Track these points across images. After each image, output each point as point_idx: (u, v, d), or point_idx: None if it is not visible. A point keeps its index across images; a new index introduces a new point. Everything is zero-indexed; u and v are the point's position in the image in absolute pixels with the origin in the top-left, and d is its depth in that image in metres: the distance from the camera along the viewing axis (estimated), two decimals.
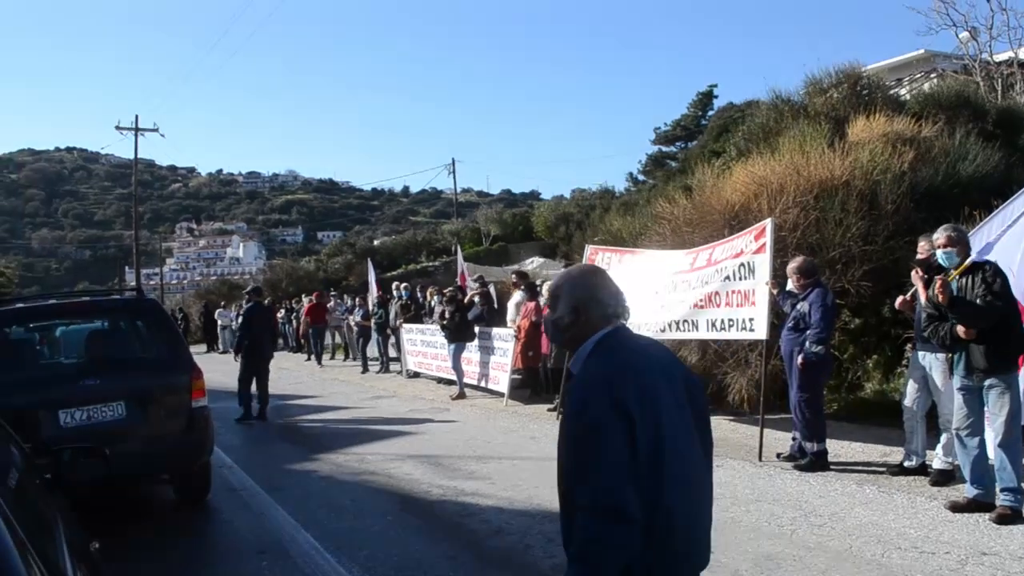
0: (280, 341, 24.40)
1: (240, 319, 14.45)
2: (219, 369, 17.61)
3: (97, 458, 3.86)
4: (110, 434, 6.46)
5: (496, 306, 15.28)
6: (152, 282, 69.16)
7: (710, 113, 36.44)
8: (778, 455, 7.73)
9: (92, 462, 3.87)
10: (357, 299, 21.31)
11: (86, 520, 5.98)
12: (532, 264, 28.27)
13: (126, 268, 68.09)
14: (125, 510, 7.69)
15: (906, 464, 6.96)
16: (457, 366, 13.53)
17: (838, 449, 7.78)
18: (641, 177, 39.08)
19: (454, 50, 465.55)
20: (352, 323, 20.58)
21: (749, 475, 7.23)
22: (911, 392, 6.93)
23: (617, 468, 2.27)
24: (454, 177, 51.75)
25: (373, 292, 19.99)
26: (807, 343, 7.21)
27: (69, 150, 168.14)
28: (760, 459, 7.70)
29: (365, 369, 18.82)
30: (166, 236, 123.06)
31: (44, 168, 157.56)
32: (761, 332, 7.91)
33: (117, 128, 42.25)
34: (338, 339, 23.90)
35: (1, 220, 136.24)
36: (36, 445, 5.89)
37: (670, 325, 9.20)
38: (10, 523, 2.00)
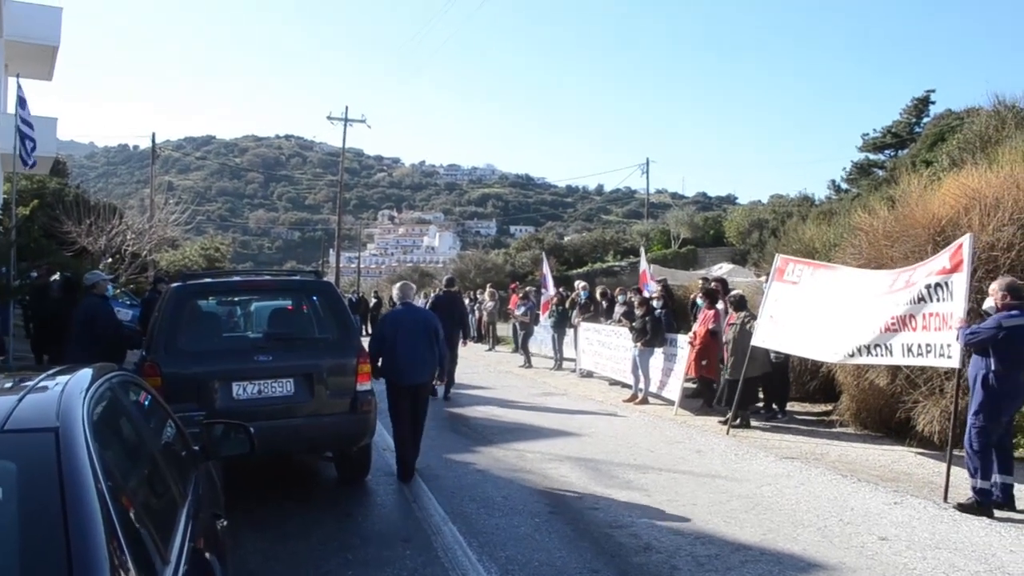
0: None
1: (427, 304, 14.99)
2: None
3: (245, 435, 3.95)
4: (278, 409, 6.76)
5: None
6: (352, 265, 72.98)
7: (925, 120, 34.02)
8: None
9: (240, 438, 3.97)
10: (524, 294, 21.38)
11: (244, 490, 6.28)
12: (720, 270, 27.35)
13: (330, 250, 72.14)
14: (288, 483, 8.05)
15: None
16: (641, 370, 13.22)
17: None
18: (844, 185, 37.21)
19: (655, 49, 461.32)
20: (515, 318, 20.86)
21: (930, 517, 6.55)
22: None
23: (374, 341, 7.88)
24: (647, 177, 51.75)
25: (550, 289, 19.97)
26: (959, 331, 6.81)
27: (287, 138, 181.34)
28: (946, 500, 6.95)
29: (528, 364, 19.03)
30: (369, 222, 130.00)
31: (264, 153, 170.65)
32: (955, 359, 7.20)
33: (328, 118, 44.96)
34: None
35: (224, 200, 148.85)
36: (211, 413, 6.26)
37: (860, 350, 8.51)
38: (101, 494, 2.03)
